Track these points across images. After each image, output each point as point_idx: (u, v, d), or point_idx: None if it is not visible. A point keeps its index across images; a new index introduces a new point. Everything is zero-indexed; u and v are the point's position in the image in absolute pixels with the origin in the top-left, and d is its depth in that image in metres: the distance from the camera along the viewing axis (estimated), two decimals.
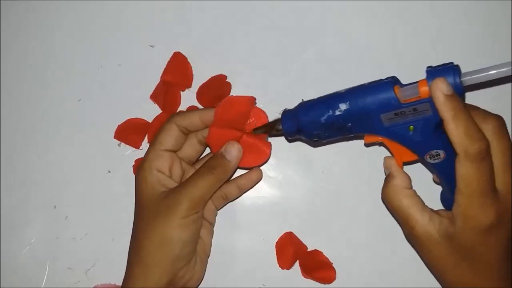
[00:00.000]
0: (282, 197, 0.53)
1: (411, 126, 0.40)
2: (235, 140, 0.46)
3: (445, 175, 0.42)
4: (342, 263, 0.51)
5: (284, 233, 0.52)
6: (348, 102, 0.41)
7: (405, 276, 0.51)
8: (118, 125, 0.54)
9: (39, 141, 0.54)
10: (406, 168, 0.44)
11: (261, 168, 0.51)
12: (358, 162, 0.52)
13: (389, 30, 0.55)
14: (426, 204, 0.43)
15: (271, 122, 0.46)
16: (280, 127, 0.45)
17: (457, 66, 0.38)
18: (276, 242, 0.52)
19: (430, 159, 0.41)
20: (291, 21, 0.55)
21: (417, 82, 0.39)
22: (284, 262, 0.51)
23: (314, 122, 0.42)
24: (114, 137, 0.54)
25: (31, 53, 0.56)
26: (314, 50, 0.54)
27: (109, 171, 0.54)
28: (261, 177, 0.51)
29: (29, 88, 0.55)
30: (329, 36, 0.55)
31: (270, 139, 0.49)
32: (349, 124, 0.41)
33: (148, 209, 0.45)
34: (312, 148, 0.52)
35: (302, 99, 0.45)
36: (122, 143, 0.54)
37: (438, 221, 0.41)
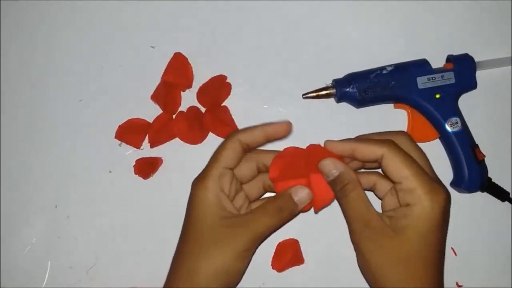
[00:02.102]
0: None
1: (438, 94, 0.50)
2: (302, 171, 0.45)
3: (459, 145, 0.51)
4: (342, 262, 0.51)
5: (290, 239, 0.52)
6: (393, 65, 0.52)
7: None
8: (119, 125, 0.54)
9: (40, 141, 0.54)
10: None
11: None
12: None
13: (389, 30, 0.55)
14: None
15: (321, 88, 0.52)
16: (332, 91, 0.52)
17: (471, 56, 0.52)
18: (279, 243, 0.52)
19: (450, 127, 0.50)
20: (291, 21, 0.55)
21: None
22: (278, 264, 0.51)
23: (365, 79, 0.51)
24: (115, 137, 0.54)
25: (32, 54, 0.56)
26: (314, 50, 0.55)
27: (110, 171, 0.54)
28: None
29: (30, 88, 0.55)
30: (329, 36, 0.55)
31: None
32: (392, 82, 0.51)
33: (206, 234, 0.43)
34: None
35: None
36: (123, 143, 0.54)
37: (387, 218, 0.43)
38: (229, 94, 0.54)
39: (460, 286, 0.52)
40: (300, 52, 0.55)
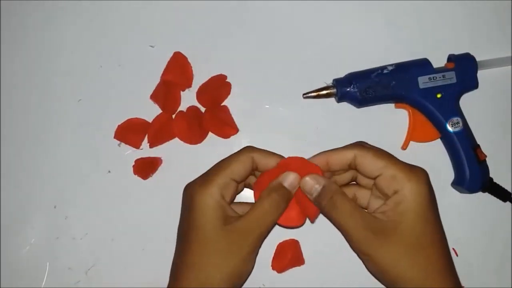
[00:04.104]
0: None
1: (439, 94, 0.50)
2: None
3: (461, 145, 0.50)
4: (341, 262, 0.51)
5: (291, 239, 0.52)
6: (394, 65, 0.51)
7: None
8: (118, 125, 0.54)
9: (39, 141, 0.54)
10: None
11: None
12: None
13: (389, 30, 0.55)
14: None
15: (322, 87, 0.52)
16: (332, 90, 0.52)
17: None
18: (279, 244, 0.52)
19: (452, 127, 0.50)
20: (291, 21, 0.55)
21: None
22: (278, 264, 0.51)
23: (366, 78, 0.51)
24: (114, 137, 0.54)
25: (31, 53, 0.55)
26: (314, 50, 0.54)
27: (109, 171, 0.54)
28: None
29: (29, 88, 0.55)
30: (330, 36, 0.55)
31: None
32: (393, 82, 0.50)
33: (212, 242, 0.42)
34: (312, 148, 0.52)
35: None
36: (122, 143, 0.54)
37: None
38: (229, 93, 0.54)
39: (462, 287, 0.51)
40: (300, 51, 0.54)
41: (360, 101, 0.51)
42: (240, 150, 0.45)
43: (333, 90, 0.52)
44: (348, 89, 0.51)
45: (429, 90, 0.51)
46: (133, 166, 0.53)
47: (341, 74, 0.53)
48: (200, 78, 0.54)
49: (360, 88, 0.51)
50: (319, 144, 0.52)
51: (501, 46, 0.54)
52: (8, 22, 0.56)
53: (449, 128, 0.51)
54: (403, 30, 0.55)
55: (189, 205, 0.43)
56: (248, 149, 0.45)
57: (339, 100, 0.52)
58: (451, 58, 0.52)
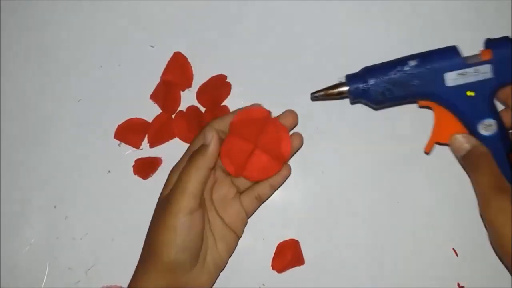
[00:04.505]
0: (282, 197, 0.52)
1: (469, 92, 0.43)
2: (248, 152, 0.46)
3: (493, 150, 0.44)
4: (341, 262, 0.51)
5: (290, 239, 0.52)
6: (417, 59, 0.44)
7: (405, 275, 0.51)
8: (118, 125, 0.54)
9: (39, 141, 0.54)
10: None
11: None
12: (358, 162, 0.52)
13: (390, 30, 0.55)
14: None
15: (332, 85, 0.47)
16: (344, 88, 0.46)
17: None
18: (279, 244, 0.52)
19: (484, 130, 0.44)
20: (292, 21, 0.55)
21: (478, 53, 0.44)
22: (278, 264, 0.51)
23: (383, 78, 0.44)
24: (114, 137, 0.54)
25: (31, 53, 0.56)
26: (314, 50, 0.54)
27: (109, 171, 0.54)
28: (290, 172, 0.49)
29: (29, 88, 0.55)
30: (330, 36, 0.55)
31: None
32: (415, 81, 0.44)
33: (155, 210, 0.46)
34: (312, 148, 0.52)
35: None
36: (122, 143, 0.54)
37: None
38: (229, 93, 0.54)
39: (462, 287, 0.51)
40: (301, 51, 0.54)
41: (379, 102, 0.46)
42: (204, 126, 0.47)
43: (345, 89, 0.46)
44: (363, 88, 0.45)
45: (458, 88, 0.43)
46: (133, 166, 0.53)
47: (341, 74, 0.52)
48: (200, 78, 0.54)
49: (377, 88, 0.45)
50: (319, 144, 0.52)
51: None
52: (8, 22, 0.56)
53: (481, 131, 0.44)
54: (403, 30, 0.55)
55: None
56: (210, 122, 0.47)
57: (353, 100, 0.47)
58: (488, 44, 0.44)
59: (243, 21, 0.55)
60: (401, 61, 0.45)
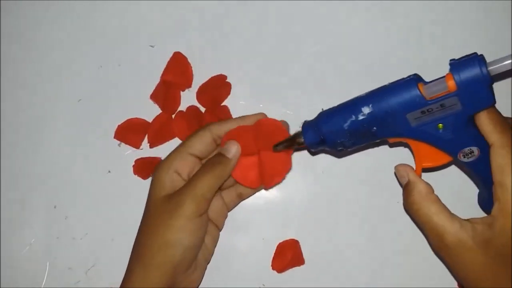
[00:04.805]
0: (282, 197, 0.53)
1: (440, 124, 0.38)
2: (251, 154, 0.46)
3: (482, 173, 0.40)
4: (341, 262, 0.51)
5: (290, 239, 0.52)
6: (371, 105, 0.39)
7: (405, 275, 0.51)
8: (118, 125, 0.54)
9: (39, 141, 0.54)
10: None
11: None
12: (358, 162, 0.52)
13: (390, 30, 0.55)
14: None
15: (292, 136, 0.44)
16: (302, 139, 0.43)
17: (481, 55, 0.36)
18: (279, 244, 0.52)
19: (464, 157, 0.39)
20: (291, 21, 0.55)
21: (442, 77, 0.37)
22: (278, 264, 0.51)
23: (337, 130, 0.40)
24: (114, 137, 0.54)
25: (31, 53, 0.56)
26: (314, 50, 0.54)
27: (109, 171, 0.54)
28: None
29: (29, 88, 0.55)
30: (329, 36, 0.55)
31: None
32: (374, 128, 0.39)
33: (153, 210, 0.45)
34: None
35: (322, 109, 0.44)
36: (122, 143, 0.54)
37: (470, 228, 0.38)
38: (229, 93, 0.54)
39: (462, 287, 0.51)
40: (301, 51, 0.54)
41: (342, 153, 0.43)
42: (202, 127, 0.47)
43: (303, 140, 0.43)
44: (319, 141, 0.42)
45: (425, 126, 0.38)
46: (133, 166, 0.53)
47: (341, 74, 0.52)
48: (200, 78, 0.54)
49: (334, 139, 0.41)
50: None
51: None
52: (8, 22, 0.56)
53: (462, 159, 0.40)
54: (404, 30, 0.55)
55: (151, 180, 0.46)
56: (208, 124, 0.47)
57: (314, 151, 0.45)
58: (453, 69, 0.37)
59: (243, 21, 0.55)
60: (354, 108, 0.39)
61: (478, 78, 0.35)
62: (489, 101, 0.37)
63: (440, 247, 0.40)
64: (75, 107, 0.54)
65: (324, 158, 0.52)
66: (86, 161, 0.54)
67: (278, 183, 0.47)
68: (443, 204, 0.41)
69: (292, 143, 0.44)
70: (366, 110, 0.39)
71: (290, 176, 0.52)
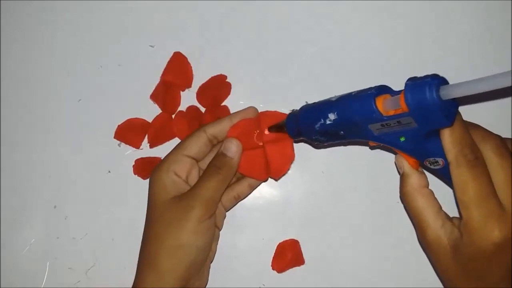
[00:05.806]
0: (282, 197, 0.53)
1: (402, 137, 0.38)
2: (255, 146, 0.47)
3: (450, 180, 0.39)
4: (341, 262, 0.51)
5: (291, 239, 0.52)
6: (336, 112, 0.40)
7: (405, 275, 0.51)
8: (118, 125, 0.54)
9: (39, 141, 0.54)
10: None
11: None
12: (358, 162, 0.52)
13: (390, 30, 0.55)
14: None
15: (280, 123, 0.46)
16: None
17: (437, 78, 0.34)
18: (279, 244, 0.52)
19: (431, 165, 0.40)
20: (291, 21, 0.55)
21: (398, 94, 0.36)
22: (278, 264, 0.51)
23: (311, 129, 0.42)
24: (114, 137, 0.54)
25: (31, 53, 0.55)
26: (314, 50, 0.54)
27: (109, 171, 0.54)
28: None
29: (29, 88, 0.55)
30: (329, 36, 0.55)
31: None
32: (341, 132, 0.41)
33: (161, 213, 0.44)
34: (312, 148, 0.52)
35: (306, 102, 0.46)
36: (122, 143, 0.54)
37: (449, 230, 0.39)
38: (229, 93, 0.54)
39: None
40: (301, 51, 0.54)
41: (317, 147, 0.46)
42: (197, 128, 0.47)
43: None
44: (298, 132, 0.44)
45: (388, 135, 0.38)
46: (133, 166, 0.53)
47: (341, 74, 0.52)
48: (200, 78, 0.54)
49: (310, 135, 0.43)
50: (319, 144, 0.52)
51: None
52: (8, 22, 0.56)
53: (428, 165, 0.40)
54: (403, 30, 0.55)
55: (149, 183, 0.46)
56: (201, 125, 0.47)
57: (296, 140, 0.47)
58: (406, 90, 0.35)
59: (243, 21, 0.55)
60: (322, 113, 0.41)
61: (428, 102, 0.34)
62: (444, 124, 0.35)
63: (421, 241, 0.42)
64: (75, 107, 0.54)
65: (324, 158, 0.53)
66: (86, 161, 0.54)
67: (285, 173, 0.49)
68: (434, 199, 0.41)
69: (282, 128, 0.46)
70: (332, 116, 0.40)
71: (290, 176, 0.52)
